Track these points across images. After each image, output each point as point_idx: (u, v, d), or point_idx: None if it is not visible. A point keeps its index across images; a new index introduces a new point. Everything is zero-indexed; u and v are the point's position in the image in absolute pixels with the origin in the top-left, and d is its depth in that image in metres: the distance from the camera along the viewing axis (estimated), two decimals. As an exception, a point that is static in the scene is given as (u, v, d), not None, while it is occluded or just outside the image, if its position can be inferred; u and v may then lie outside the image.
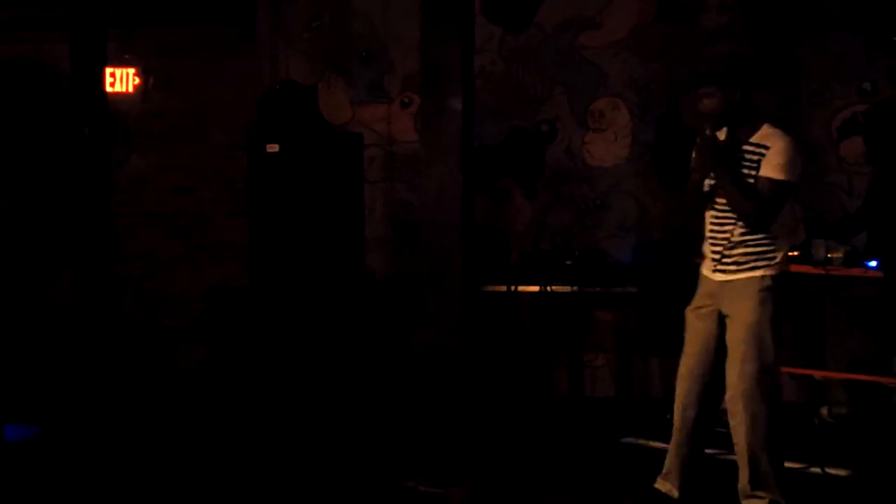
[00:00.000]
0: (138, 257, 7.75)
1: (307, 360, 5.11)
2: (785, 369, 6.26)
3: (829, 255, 5.50)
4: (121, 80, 7.52)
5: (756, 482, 4.38)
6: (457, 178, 5.00)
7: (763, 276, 4.37)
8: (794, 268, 5.99)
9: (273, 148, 5.36)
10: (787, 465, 5.18)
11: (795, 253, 5.95)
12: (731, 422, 4.42)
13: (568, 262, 6.12)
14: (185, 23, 7.57)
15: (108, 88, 6.90)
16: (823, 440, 5.49)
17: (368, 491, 4.91)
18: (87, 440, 5.84)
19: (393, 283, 6.65)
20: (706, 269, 4.60)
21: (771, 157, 4.32)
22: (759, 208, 4.33)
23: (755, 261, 4.38)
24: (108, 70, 6.94)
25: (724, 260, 4.47)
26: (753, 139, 4.39)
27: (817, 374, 6.14)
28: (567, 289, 6.07)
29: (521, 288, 6.15)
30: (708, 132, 4.43)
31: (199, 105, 7.66)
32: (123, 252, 7.48)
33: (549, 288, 6.07)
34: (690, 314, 4.62)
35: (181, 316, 7.68)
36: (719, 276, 4.49)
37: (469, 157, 5.06)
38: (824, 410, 6.01)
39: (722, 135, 4.49)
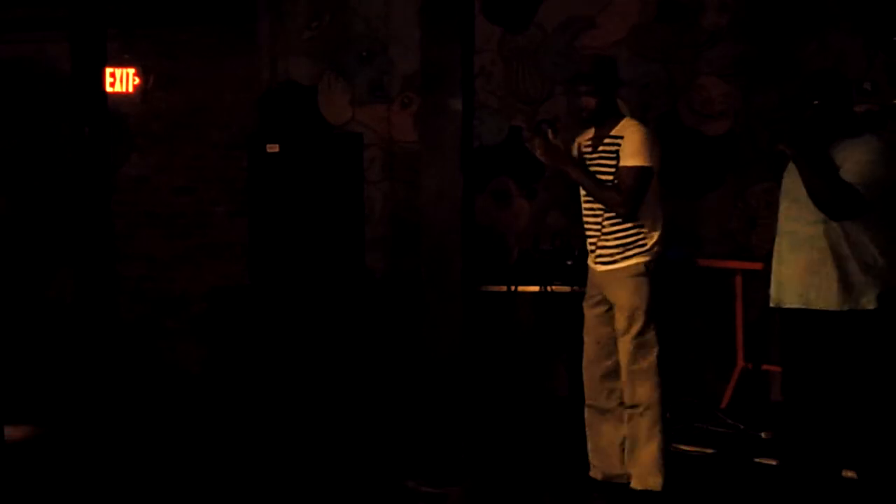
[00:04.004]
0: (138, 257, 7.75)
1: (307, 359, 5.11)
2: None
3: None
4: (121, 80, 7.52)
5: (633, 461, 4.63)
6: (457, 178, 5.00)
7: (637, 264, 4.59)
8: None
9: (273, 148, 5.36)
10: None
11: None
12: (625, 400, 4.67)
13: (568, 262, 6.11)
14: (185, 23, 7.56)
15: (108, 88, 6.90)
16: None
17: (368, 491, 4.91)
18: (87, 440, 5.84)
19: (393, 283, 6.65)
20: (590, 261, 4.82)
21: (626, 146, 4.56)
22: (625, 197, 4.54)
23: (627, 249, 4.60)
24: (108, 70, 6.94)
25: (599, 251, 4.69)
26: (613, 132, 4.63)
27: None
28: (567, 289, 6.06)
29: (521, 288, 6.14)
30: (545, 135, 4.69)
31: (199, 105, 7.66)
32: (123, 252, 7.47)
33: (549, 288, 6.06)
34: (584, 306, 4.85)
35: (181, 316, 7.68)
36: (600, 268, 4.72)
37: (469, 157, 5.06)
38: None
39: (590, 132, 4.76)
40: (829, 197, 3.76)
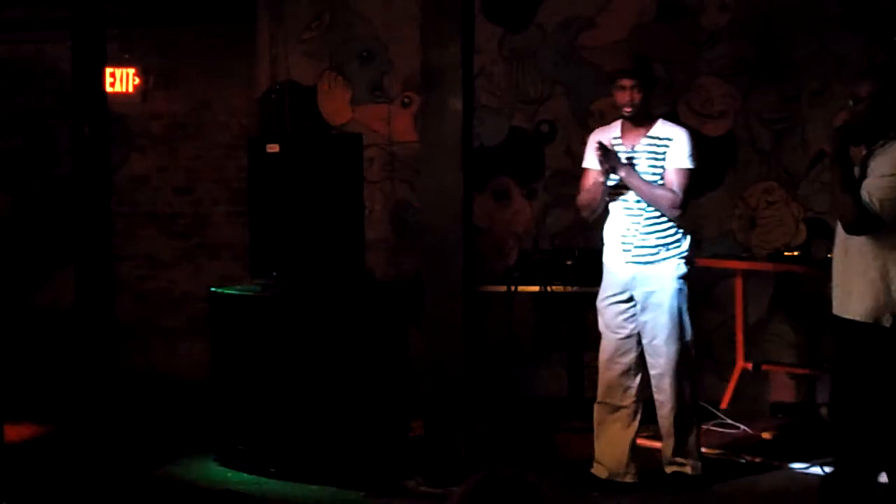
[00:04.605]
0: (138, 257, 7.75)
1: (307, 359, 5.11)
2: (785, 369, 6.29)
3: (829, 255, 5.50)
4: (121, 80, 7.52)
5: (680, 450, 4.77)
6: (457, 178, 5.00)
7: (677, 265, 4.72)
8: (794, 267, 6.03)
9: (273, 148, 5.35)
10: (789, 465, 5.25)
11: (796, 253, 5.97)
12: (658, 397, 4.79)
13: (568, 263, 6.11)
14: (185, 23, 7.56)
15: (108, 88, 6.90)
16: (823, 440, 5.48)
17: (368, 491, 4.91)
18: (87, 440, 5.84)
19: (393, 284, 6.65)
20: (612, 260, 4.83)
21: (678, 148, 4.70)
22: (682, 198, 4.67)
23: (666, 250, 4.71)
24: (108, 70, 6.93)
25: (636, 249, 4.73)
26: (652, 133, 4.73)
27: (817, 373, 6.14)
28: (567, 289, 6.06)
29: (521, 288, 6.14)
30: (602, 141, 4.73)
31: (199, 105, 7.66)
32: (123, 252, 7.47)
33: (549, 288, 6.06)
34: (601, 304, 4.87)
35: (181, 316, 7.67)
36: (631, 267, 4.74)
37: (469, 157, 5.06)
38: (824, 410, 6.01)
39: (615, 130, 4.81)
40: (842, 211, 3.70)
